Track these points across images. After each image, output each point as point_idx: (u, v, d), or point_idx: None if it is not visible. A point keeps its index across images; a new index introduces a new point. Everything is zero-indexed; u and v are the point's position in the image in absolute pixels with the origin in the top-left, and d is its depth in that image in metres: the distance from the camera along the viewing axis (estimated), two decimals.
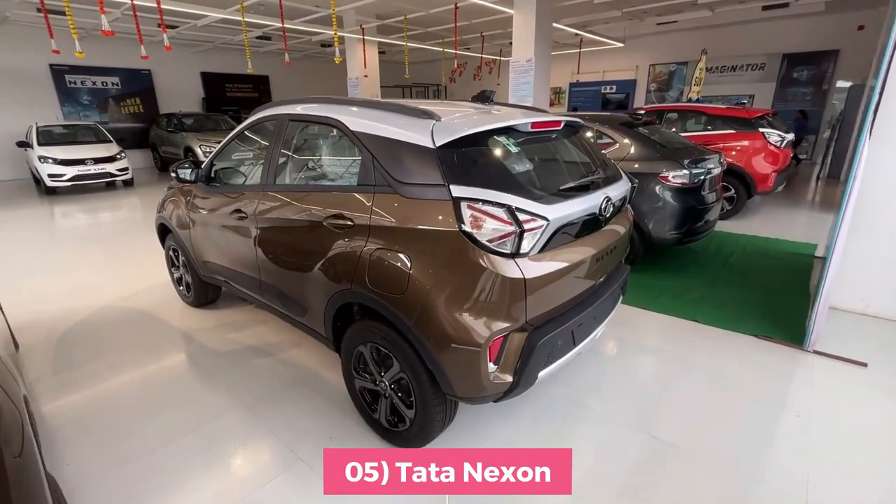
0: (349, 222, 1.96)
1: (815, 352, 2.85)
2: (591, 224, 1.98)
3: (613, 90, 14.54)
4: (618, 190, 2.22)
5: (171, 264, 3.77)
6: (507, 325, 1.68)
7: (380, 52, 11.60)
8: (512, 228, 1.63)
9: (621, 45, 13.07)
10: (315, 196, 2.20)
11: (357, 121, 2.05)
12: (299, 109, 2.44)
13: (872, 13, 9.95)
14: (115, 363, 2.89)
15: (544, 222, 1.70)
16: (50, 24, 6.78)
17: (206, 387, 2.64)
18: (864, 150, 2.42)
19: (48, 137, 9.33)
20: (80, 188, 9.47)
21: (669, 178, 3.89)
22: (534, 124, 1.98)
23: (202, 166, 3.05)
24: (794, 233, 5.44)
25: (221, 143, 2.99)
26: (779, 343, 2.98)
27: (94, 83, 12.32)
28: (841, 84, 10.97)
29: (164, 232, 3.68)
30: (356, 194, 1.98)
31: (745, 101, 8.01)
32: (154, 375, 2.76)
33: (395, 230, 1.80)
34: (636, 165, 4.03)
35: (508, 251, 1.65)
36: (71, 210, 7.75)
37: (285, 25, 8.38)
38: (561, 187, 1.97)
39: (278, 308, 2.64)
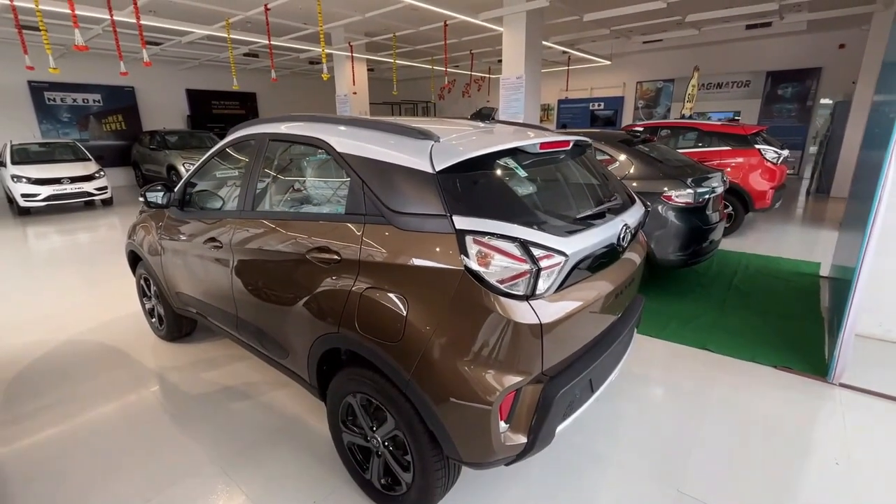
0: (336, 256, 1.72)
1: (842, 385, 2.65)
2: (608, 256, 1.77)
3: (602, 107, 14.65)
4: (634, 216, 2.01)
5: (143, 294, 3.47)
6: (520, 378, 1.44)
7: (368, 70, 11.52)
8: (526, 267, 1.41)
9: (608, 62, 13.20)
10: (298, 225, 1.95)
11: (345, 141, 1.82)
12: (282, 129, 2.20)
13: (853, 32, 10.16)
14: (69, 412, 2.57)
15: (562, 258, 1.48)
16: (24, 39, 6.52)
17: (173, 439, 2.33)
18: (891, 170, 2.26)
19: (23, 156, 8.96)
20: (57, 208, 9.08)
21: (673, 197, 3.72)
22: (543, 144, 1.77)
23: (175, 189, 2.80)
24: (793, 250, 5.33)
25: (196, 165, 2.74)
26: (800, 375, 2.78)
27: (74, 100, 11.99)
28: (824, 101, 11.16)
29: (135, 260, 3.39)
30: (344, 224, 1.74)
31: (738, 117, 7.99)
32: (113, 426, 2.45)
33: (388, 267, 1.57)
34: (637, 184, 3.86)
35: (522, 293, 1.42)
36: (44, 231, 7.36)
37: (272, 43, 8.22)
38: (577, 216, 1.75)
39: (257, 347, 2.37)
